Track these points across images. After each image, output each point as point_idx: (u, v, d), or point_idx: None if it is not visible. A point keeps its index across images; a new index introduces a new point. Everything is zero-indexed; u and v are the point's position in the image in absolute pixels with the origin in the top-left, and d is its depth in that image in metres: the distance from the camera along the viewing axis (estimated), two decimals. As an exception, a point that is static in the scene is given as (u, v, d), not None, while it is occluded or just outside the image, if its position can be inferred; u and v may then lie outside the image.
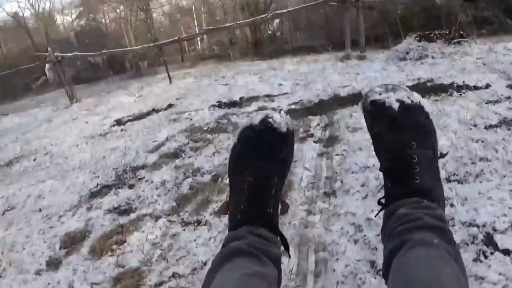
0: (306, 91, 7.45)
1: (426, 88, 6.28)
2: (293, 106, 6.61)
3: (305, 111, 6.18)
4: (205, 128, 6.08)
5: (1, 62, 45.70)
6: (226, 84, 10.43)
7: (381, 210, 1.40)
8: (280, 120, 1.38)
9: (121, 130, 7.32)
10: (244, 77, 10.96)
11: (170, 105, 8.69)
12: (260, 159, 1.36)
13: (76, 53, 14.88)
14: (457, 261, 1.11)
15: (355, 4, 10.97)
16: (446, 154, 1.56)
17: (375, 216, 1.59)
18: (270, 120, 1.37)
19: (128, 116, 8.58)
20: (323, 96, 6.89)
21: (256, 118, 1.39)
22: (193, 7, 43.61)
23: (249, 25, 32.49)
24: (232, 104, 7.49)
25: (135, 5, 40.02)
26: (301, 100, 6.97)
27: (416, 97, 1.39)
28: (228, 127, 5.91)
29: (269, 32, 37.03)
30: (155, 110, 8.54)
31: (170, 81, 12.79)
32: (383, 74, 7.93)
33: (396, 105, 1.35)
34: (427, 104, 1.41)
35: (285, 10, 12.63)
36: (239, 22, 13.86)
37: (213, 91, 9.52)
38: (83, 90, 21.73)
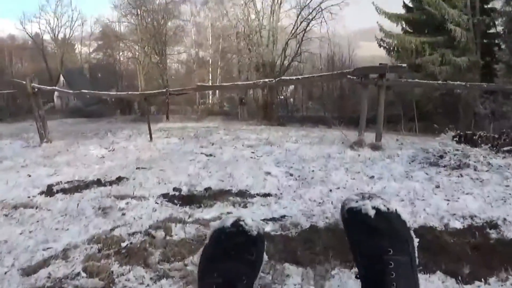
0: (296, 198, 5.17)
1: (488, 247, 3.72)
2: (268, 228, 4.09)
3: (284, 247, 3.57)
4: (124, 245, 3.83)
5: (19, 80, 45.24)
6: (209, 155, 8.68)
7: None
8: (252, 224, 1.48)
9: (36, 208, 5.13)
10: (234, 149, 9.44)
11: (119, 179, 6.53)
12: (230, 261, 1.42)
13: (55, 87, 13.43)
14: None
15: (377, 82, 9.01)
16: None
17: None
18: (242, 223, 1.46)
19: (66, 183, 6.48)
20: (318, 217, 4.42)
21: (228, 221, 1.48)
22: (210, 60, 42.85)
23: (261, 88, 32.11)
24: (191, 198, 5.23)
25: (150, 47, 39.36)
26: (285, 217, 4.36)
27: (393, 205, 1.45)
28: (155, 252, 3.70)
29: (281, 97, 36.15)
30: (99, 182, 6.41)
31: (151, 139, 11.17)
32: (409, 186, 5.57)
33: (372, 212, 1.40)
34: (404, 212, 1.46)
35: (293, 78, 10.72)
36: (236, 83, 11.92)
37: (186, 166, 7.51)
38: (69, 127, 21.14)
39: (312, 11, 33.05)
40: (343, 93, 34.33)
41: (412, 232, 1.44)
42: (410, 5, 28.54)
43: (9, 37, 54.94)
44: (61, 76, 47.31)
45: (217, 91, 42.66)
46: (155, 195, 5.41)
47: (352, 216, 1.44)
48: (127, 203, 5.03)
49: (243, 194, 5.45)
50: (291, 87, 38.75)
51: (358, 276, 1.45)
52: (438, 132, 9.07)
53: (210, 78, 40.67)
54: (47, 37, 53.27)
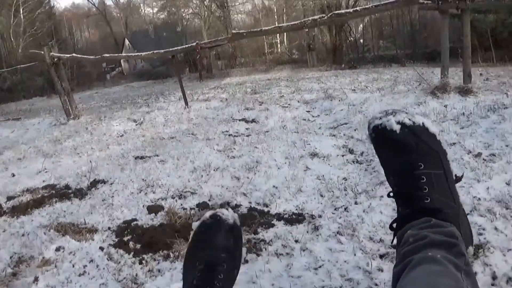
0: (354, 223, 3.31)
1: None
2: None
3: None
4: None
5: (83, 48, 46.01)
6: (251, 121, 7.55)
7: (394, 236, 1.45)
8: (227, 213, 1.61)
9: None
10: (286, 108, 8.23)
11: (94, 184, 5.01)
12: (210, 249, 1.54)
13: (74, 54, 12.02)
14: (468, 273, 1.15)
15: (459, 4, 6.91)
16: (461, 177, 1.51)
17: (391, 244, 1.72)
18: (219, 214, 1.59)
19: (33, 191, 5.01)
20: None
21: (207, 215, 1.62)
22: (275, 8, 41.37)
23: (328, 31, 30.40)
24: (162, 232, 3.34)
25: (210, 0, 37.84)
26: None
27: (418, 118, 1.40)
28: None
29: (350, 38, 33.96)
30: (64, 194, 4.86)
31: (186, 105, 10.00)
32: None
33: (397, 127, 1.36)
34: (432, 125, 1.41)
35: (350, 10, 8.73)
36: (279, 25, 10.10)
37: (201, 147, 5.98)
38: (128, 92, 20.83)
39: None
40: (414, 27, 31.66)
41: (444, 145, 1.40)
42: None
43: (73, 6, 55.39)
44: (125, 40, 47.33)
45: (284, 38, 41.14)
46: (107, 228, 3.60)
47: (377, 134, 1.41)
48: (58, 249, 3.30)
49: (254, 217, 3.65)
50: (360, 27, 36.68)
51: (390, 194, 1.47)
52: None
53: (277, 25, 39.01)
54: (109, 2, 53.30)
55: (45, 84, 25.68)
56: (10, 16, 32.42)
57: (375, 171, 4.26)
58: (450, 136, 4.94)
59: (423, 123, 1.36)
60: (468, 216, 2.92)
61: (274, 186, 4.16)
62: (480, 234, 2.95)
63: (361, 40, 36.69)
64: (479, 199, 3.39)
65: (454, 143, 4.73)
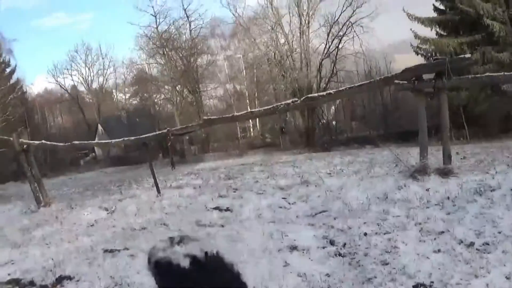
0: None
1: None
2: None
3: None
4: None
5: (55, 134, 45.47)
6: (225, 210, 7.17)
7: None
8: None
9: None
10: (261, 196, 7.87)
11: (58, 281, 4.74)
12: None
13: (44, 141, 11.73)
14: None
15: (436, 83, 6.85)
16: None
17: None
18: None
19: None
20: None
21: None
22: (246, 92, 41.82)
23: (301, 113, 30.77)
24: None
25: (182, 86, 38.16)
26: None
27: (212, 246, 1.20)
28: None
29: (323, 121, 34.32)
30: None
31: (158, 193, 9.69)
32: None
33: (186, 263, 1.14)
34: (228, 254, 1.20)
35: (323, 93, 8.64)
36: (252, 110, 9.98)
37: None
38: (101, 178, 20.45)
39: (342, 26, 31.58)
40: (386, 108, 32.30)
41: (241, 276, 1.19)
42: (441, 7, 27.13)
43: (45, 92, 55.29)
44: (98, 125, 47.26)
45: (257, 122, 41.46)
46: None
47: (162, 270, 1.17)
48: None
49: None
50: (332, 109, 37.24)
51: None
52: (494, 136, 6.93)
53: (249, 109, 39.28)
54: (82, 88, 53.41)
55: (18, 169, 25.37)
56: (-19, 100, 32.21)
57: (360, 265, 3.88)
58: (437, 224, 4.62)
59: (217, 253, 1.17)
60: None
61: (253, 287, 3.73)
62: None
63: (334, 122, 37.13)
64: (480, 298, 3.01)
65: (442, 232, 4.40)
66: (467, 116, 22.19)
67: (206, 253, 1.14)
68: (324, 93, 8.67)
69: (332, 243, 4.57)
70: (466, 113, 22.25)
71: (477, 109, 22.65)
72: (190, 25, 37.92)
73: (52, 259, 5.42)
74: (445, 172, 6.75)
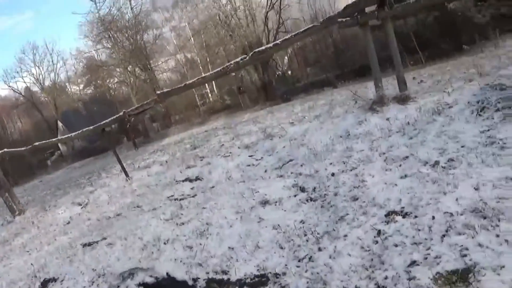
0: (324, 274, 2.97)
1: None
2: None
3: None
4: None
5: (18, 139, 44.48)
6: (195, 180, 7.17)
7: None
8: None
9: None
10: (227, 158, 7.83)
11: (44, 285, 4.82)
12: None
13: (5, 149, 11.51)
14: None
15: (378, 14, 6.83)
16: None
17: None
18: None
19: None
20: None
21: None
22: (198, 59, 41.31)
23: (255, 69, 30.53)
24: None
25: (133, 66, 37.46)
26: None
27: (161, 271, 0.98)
28: None
29: (278, 73, 34.17)
30: None
31: (127, 177, 9.57)
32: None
33: None
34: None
35: (270, 45, 8.47)
36: (203, 76, 9.76)
37: (148, 220, 5.64)
38: (70, 173, 20.11)
39: (281, -27, 30.98)
40: (337, 48, 32.27)
41: None
42: None
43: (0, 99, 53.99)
44: (58, 122, 46.37)
45: (214, 87, 41.16)
46: None
47: None
48: None
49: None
50: (285, 59, 37.10)
51: None
52: (449, 55, 6.96)
53: (201, 75, 38.91)
54: (35, 88, 52.22)
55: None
56: None
57: (331, 206, 3.91)
58: (400, 150, 4.66)
59: (167, 274, 1.13)
60: (445, 238, 2.53)
61: (229, 248, 3.76)
62: (464, 255, 2.59)
63: (289, 72, 37.02)
64: (451, 214, 3.05)
65: (406, 157, 4.44)
66: (419, 41, 22.29)
67: (156, 278, 1.18)
68: (271, 44, 8.46)
69: (302, 189, 4.58)
70: (418, 38, 22.40)
71: (427, 31, 22.80)
72: (130, 3, 37.08)
73: (34, 265, 5.38)
74: (402, 99, 6.78)
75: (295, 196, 4.47)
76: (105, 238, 5.57)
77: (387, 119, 6.04)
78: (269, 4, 31.38)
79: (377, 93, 7.12)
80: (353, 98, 8.74)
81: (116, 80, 43.31)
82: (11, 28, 65.20)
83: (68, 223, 7.64)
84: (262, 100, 28.82)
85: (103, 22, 36.47)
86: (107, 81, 45.50)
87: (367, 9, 7.28)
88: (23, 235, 7.75)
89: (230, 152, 8.25)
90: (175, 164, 9.18)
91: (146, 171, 9.73)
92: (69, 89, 55.81)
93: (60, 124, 46.61)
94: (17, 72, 49.15)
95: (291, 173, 5.23)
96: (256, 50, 8.18)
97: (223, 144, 9.82)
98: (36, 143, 11.87)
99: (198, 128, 21.70)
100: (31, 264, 5.49)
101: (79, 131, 10.90)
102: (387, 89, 7.51)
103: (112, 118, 11.06)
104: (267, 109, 19.91)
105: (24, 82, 50.85)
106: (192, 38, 40.38)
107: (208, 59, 40.16)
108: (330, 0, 36.88)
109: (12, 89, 51.02)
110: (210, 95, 42.63)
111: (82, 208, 8.50)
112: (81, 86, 54.08)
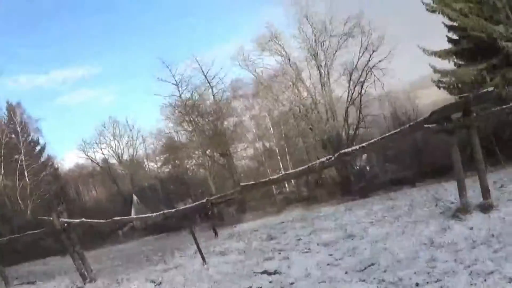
0: None
1: None
2: None
3: None
4: None
5: (91, 207, 45.93)
6: (273, 273, 7.09)
7: None
8: None
9: None
10: (307, 254, 7.85)
11: None
12: None
13: (84, 219, 11.80)
14: None
15: (464, 121, 6.94)
16: None
17: None
18: None
19: None
20: None
21: None
22: (277, 149, 41.77)
23: (319, 170, 30.48)
24: None
25: (212, 150, 38.59)
26: None
27: None
28: None
29: (356, 167, 34.09)
30: None
31: (204, 261, 9.60)
32: None
33: None
34: None
35: (357, 147, 8.67)
36: (287, 172, 10.05)
37: None
38: (140, 247, 20.35)
39: (362, 72, 32.03)
40: (417, 146, 31.99)
41: None
42: (455, 37, 26.77)
43: (77, 167, 56.15)
44: (133, 195, 47.57)
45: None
46: None
47: None
48: None
49: None
50: (364, 155, 37.04)
51: None
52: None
53: (281, 167, 39.27)
54: (113, 160, 54.10)
55: (56, 244, 25.45)
56: (15, 179, 33.23)
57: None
58: (485, 264, 4.60)
59: None
60: None
61: None
62: None
63: (367, 167, 36.81)
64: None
65: (492, 272, 4.39)
66: (498, 141, 21.79)
67: None
68: (357, 146, 8.63)
69: None
70: (497, 138, 21.96)
71: (508, 130, 22.35)
72: (212, 90, 38.78)
73: None
74: (485, 207, 6.75)
75: None
76: None
77: (471, 228, 6.00)
78: (349, 99, 32.00)
79: (461, 200, 7.11)
80: (434, 201, 8.70)
81: (194, 162, 44.19)
82: (93, 100, 69.78)
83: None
84: (339, 194, 28.83)
85: (185, 106, 38.11)
86: (185, 161, 46.57)
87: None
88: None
89: (309, 248, 8.28)
90: (253, 254, 9.27)
91: (223, 258, 9.82)
92: (147, 165, 57.50)
93: (135, 197, 47.76)
94: (96, 143, 51.23)
95: (374, 278, 5.22)
96: (343, 151, 8.39)
97: (300, 238, 9.84)
98: (116, 218, 12.25)
99: (273, 218, 21.80)
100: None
101: (160, 212, 11.11)
102: (468, 195, 7.44)
103: (194, 204, 11.44)
104: (345, 204, 19.84)
105: (103, 153, 52.92)
106: (271, 128, 41.07)
107: (286, 150, 40.61)
108: (411, 98, 37.02)
109: (90, 158, 52.97)
110: (286, 184, 42.70)
111: (156, 286, 8.64)
112: (159, 163, 55.55)
